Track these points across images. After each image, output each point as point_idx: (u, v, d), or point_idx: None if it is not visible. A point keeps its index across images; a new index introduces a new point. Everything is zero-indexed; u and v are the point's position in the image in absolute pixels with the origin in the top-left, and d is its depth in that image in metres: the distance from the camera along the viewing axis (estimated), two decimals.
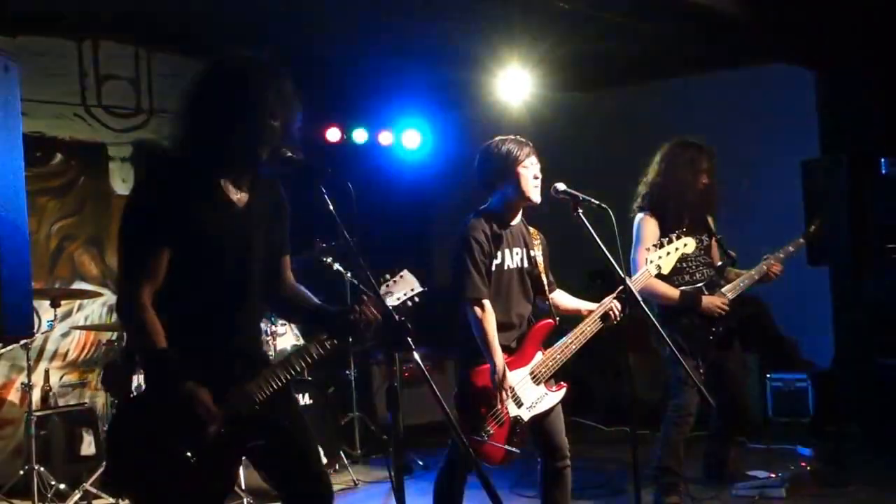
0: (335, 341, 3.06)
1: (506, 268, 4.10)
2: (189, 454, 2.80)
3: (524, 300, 4.18)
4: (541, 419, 4.10)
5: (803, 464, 5.69)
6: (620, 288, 4.03)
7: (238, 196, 2.98)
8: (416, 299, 3.16)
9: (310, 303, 3.18)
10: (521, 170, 4.07)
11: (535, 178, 4.10)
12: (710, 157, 5.17)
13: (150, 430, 2.81)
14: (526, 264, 4.17)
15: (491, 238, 4.07)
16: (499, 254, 4.09)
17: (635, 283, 4.13)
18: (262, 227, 3.04)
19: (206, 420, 2.79)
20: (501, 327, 4.05)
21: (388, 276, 3.14)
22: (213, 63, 2.95)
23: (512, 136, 4.18)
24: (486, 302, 4.00)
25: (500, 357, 3.95)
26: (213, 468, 2.86)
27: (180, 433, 2.79)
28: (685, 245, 4.29)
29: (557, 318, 4.20)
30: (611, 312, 4.14)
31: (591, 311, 4.18)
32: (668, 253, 4.21)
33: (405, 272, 3.16)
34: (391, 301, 3.08)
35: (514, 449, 4.00)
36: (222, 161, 2.91)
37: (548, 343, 4.19)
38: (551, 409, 4.11)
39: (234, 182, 2.97)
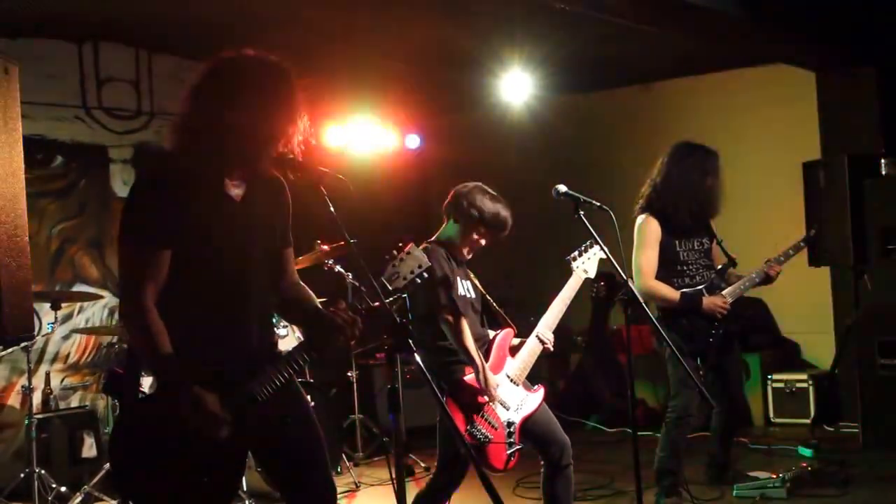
0: (313, 353, 2.99)
1: (461, 295, 4.26)
2: (193, 459, 2.78)
3: (479, 325, 4.37)
4: (532, 421, 4.21)
5: (804, 464, 5.69)
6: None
7: (236, 191, 2.95)
8: (426, 275, 3.05)
9: (306, 305, 3.13)
10: (480, 235, 4.28)
11: (482, 245, 4.34)
12: (716, 159, 5.19)
13: (155, 433, 2.79)
14: (474, 295, 4.37)
15: (450, 266, 4.24)
16: (457, 282, 4.25)
17: (569, 289, 4.36)
18: (261, 221, 3.00)
19: (213, 426, 2.77)
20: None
21: (394, 253, 3.02)
22: (217, 60, 2.91)
23: (501, 200, 4.31)
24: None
25: (479, 355, 4.10)
26: (217, 471, 2.84)
27: (185, 436, 2.77)
28: (600, 250, 4.43)
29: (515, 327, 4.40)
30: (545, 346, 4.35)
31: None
32: (589, 258, 4.44)
33: (412, 247, 3.05)
34: (398, 283, 2.98)
35: (517, 445, 4.12)
36: (222, 159, 2.88)
37: (514, 349, 4.35)
38: (537, 409, 4.25)
39: (232, 178, 2.94)
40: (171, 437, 2.78)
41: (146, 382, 5.43)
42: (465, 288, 4.33)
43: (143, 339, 2.81)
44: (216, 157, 2.86)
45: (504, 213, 4.28)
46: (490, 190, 4.33)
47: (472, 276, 4.45)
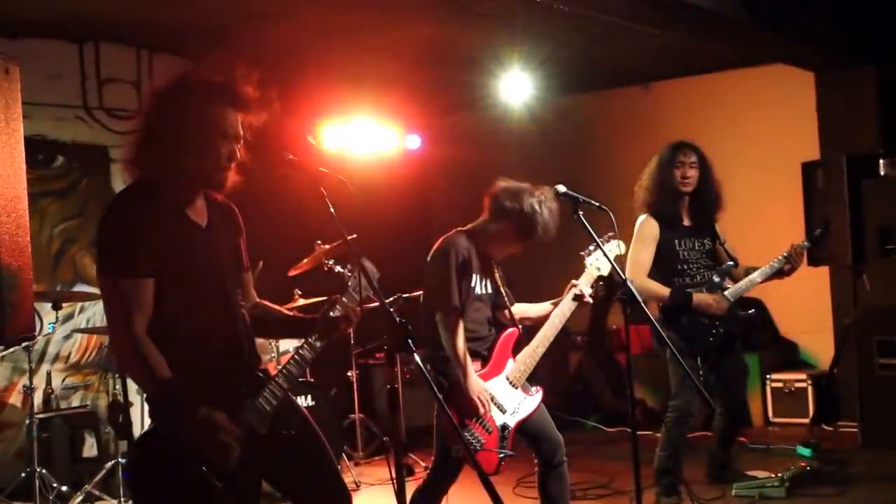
0: (322, 340, 3.00)
1: (477, 292, 4.22)
2: (215, 480, 2.75)
3: (487, 322, 4.31)
4: (528, 423, 4.21)
5: (803, 464, 5.70)
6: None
7: (199, 218, 2.96)
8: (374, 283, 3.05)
9: (277, 315, 3.18)
10: (521, 242, 4.23)
11: (512, 250, 4.31)
12: (690, 150, 5.18)
13: (172, 461, 2.75)
14: (490, 291, 4.30)
15: (469, 260, 4.17)
16: (473, 277, 4.20)
17: (582, 285, 4.30)
18: (225, 245, 3.02)
19: (229, 443, 2.74)
20: (475, 338, 4.18)
21: (349, 268, 3.06)
22: (169, 85, 2.92)
23: (556, 213, 4.18)
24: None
25: (467, 358, 4.04)
26: (237, 490, 2.80)
27: (203, 460, 2.74)
28: (619, 246, 4.45)
29: (521, 327, 4.34)
30: (578, 294, 4.28)
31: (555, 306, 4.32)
32: (601, 255, 4.34)
33: (363, 260, 3.01)
34: (364, 292, 3.01)
35: (507, 452, 4.11)
36: (181, 185, 2.89)
37: (516, 351, 4.31)
38: (534, 412, 4.23)
39: (192, 204, 2.95)
40: (186, 462, 2.74)
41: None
42: (483, 285, 4.26)
43: (139, 368, 2.78)
44: (173, 184, 2.88)
45: (552, 223, 4.15)
46: (539, 194, 4.17)
47: (495, 272, 4.35)
